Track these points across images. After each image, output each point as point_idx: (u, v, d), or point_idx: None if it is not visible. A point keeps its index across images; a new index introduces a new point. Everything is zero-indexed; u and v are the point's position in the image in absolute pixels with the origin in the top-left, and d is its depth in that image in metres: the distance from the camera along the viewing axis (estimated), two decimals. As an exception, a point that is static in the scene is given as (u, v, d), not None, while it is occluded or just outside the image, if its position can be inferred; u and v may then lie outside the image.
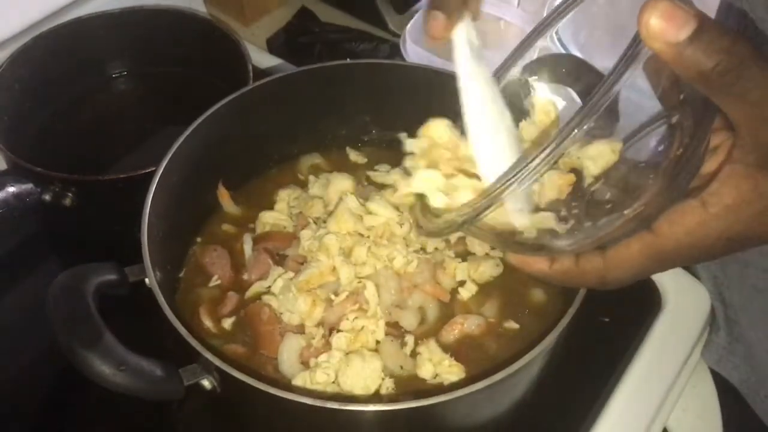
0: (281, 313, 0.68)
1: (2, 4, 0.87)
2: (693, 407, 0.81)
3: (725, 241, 0.44)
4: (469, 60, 0.52)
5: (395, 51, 1.01)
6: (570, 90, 0.64)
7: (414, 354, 0.67)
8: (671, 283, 0.81)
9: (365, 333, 0.66)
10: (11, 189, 0.75)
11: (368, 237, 0.71)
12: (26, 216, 0.78)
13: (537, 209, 0.49)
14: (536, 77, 0.58)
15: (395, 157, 0.83)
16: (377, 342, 0.66)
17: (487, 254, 0.73)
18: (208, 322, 0.69)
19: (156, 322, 0.58)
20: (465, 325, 0.69)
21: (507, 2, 1.02)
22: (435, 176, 0.53)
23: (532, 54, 0.58)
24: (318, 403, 0.53)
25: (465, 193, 0.52)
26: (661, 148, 0.47)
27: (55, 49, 0.90)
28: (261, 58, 1.04)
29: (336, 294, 0.68)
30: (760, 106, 0.39)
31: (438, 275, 0.71)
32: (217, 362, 0.55)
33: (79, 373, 0.54)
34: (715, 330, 0.81)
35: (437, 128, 0.56)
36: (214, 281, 0.72)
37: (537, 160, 0.42)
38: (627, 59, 0.40)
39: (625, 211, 0.45)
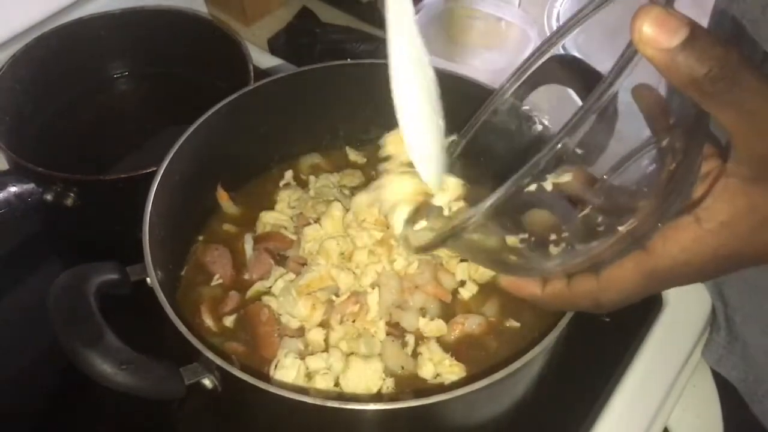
0: (280, 315, 0.68)
1: (3, 5, 0.87)
2: (694, 407, 0.81)
3: (721, 259, 0.43)
4: (400, 21, 0.49)
5: (396, 51, 1.01)
6: (570, 91, 0.64)
7: (415, 354, 0.67)
8: (672, 282, 0.81)
9: (366, 335, 0.66)
10: (13, 189, 0.75)
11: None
12: (28, 216, 0.78)
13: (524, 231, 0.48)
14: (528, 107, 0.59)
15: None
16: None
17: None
18: (209, 321, 0.69)
19: (157, 321, 0.58)
20: (466, 325, 0.69)
21: (508, 2, 1.02)
22: (405, 186, 0.54)
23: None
24: (319, 402, 0.53)
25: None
26: (652, 168, 0.47)
27: (56, 49, 0.90)
28: (262, 59, 1.04)
29: (337, 295, 0.68)
30: (755, 116, 0.38)
31: (439, 276, 0.71)
32: (218, 361, 0.55)
33: (80, 372, 0.54)
34: (716, 329, 0.81)
35: (396, 141, 0.58)
36: (216, 280, 0.72)
37: (518, 176, 0.41)
38: (621, 64, 0.39)
39: (619, 228, 0.44)
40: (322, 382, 0.63)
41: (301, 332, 0.67)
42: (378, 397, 0.63)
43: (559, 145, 0.40)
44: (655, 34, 0.37)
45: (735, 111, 0.39)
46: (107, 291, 0.60)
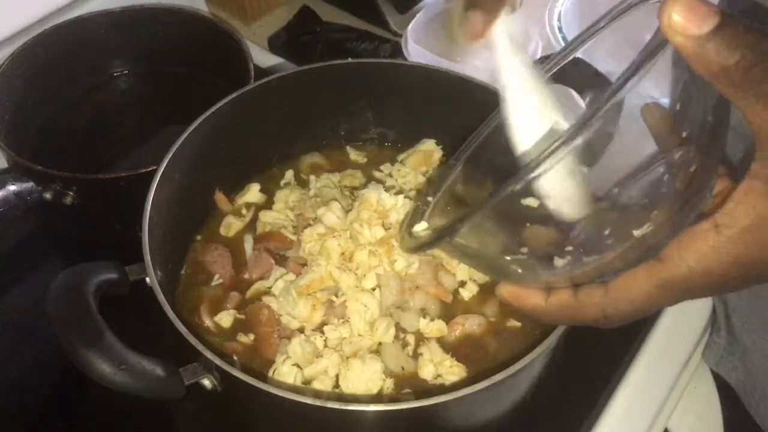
0: (280, 315, 0.68)
1: (3, 3, 0.87)
2: (694, 408, 0.81)
3: (741, 268, 0.40)
4: (509, 55, 0.50)
5: (397, 51, 1.01)
6: (571, 91, 0.64)
7: (415, 355, 0.67)
8: (673, 283, 0.80)
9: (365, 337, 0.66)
10: (12, 187, 0.75)
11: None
12: (27, 215, 0.78)
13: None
14: None
15: (395, 156, 0.84)
16: (379, 344, 0.67)
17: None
18: (208, 321, 0.69)
19: (156, 321, 0.58)
20: (466, 325, 0.69)
21: (509, 2, 1.02)
22: None
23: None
24: (319, 402, 0.53)
25: None
26: (666, 177, 0.45)
27: (56, 47, 0.90)
28: (262, 57, 1.04)
29: (337, 296, 0.68)
30: None
31: (440, 276, 0.71)
32: (218, 361, 0.54)
33: (79, 372, 0.54)
34: (716, 330, 0.81)
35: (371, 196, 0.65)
36: (216, 280, 0.72)
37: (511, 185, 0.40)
38: (638, 63, 0.39)
39: (634, 232, 0.42)
40: (321, 385, 0.63)
41: (300, 332, 0.67)
42: (378, 398, 0.63)
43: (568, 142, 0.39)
44: (685, 20, 0.36)
45: (763, 105, 0.36)
46: (106, 290, 0.59)
